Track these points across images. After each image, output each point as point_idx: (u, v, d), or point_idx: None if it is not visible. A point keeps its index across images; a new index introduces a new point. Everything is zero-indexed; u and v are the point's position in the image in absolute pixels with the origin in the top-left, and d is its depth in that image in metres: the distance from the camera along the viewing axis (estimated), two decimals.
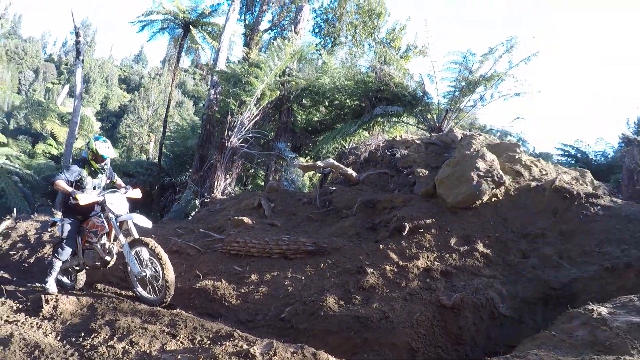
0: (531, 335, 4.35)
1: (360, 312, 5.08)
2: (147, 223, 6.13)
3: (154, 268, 5.86)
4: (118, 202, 6.26)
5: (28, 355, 4.37)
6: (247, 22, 22.30)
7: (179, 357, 4.10)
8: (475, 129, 14.90)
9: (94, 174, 6.63)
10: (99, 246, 6.38)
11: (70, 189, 6.21)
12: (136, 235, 6.14)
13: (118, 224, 6.16)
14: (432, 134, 11.28)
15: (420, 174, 8.57)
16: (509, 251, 6.27)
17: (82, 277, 7.20)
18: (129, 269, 6.08)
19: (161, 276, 5.75)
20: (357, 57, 17.78)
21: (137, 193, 6.67)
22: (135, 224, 6.17)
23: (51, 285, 6.29)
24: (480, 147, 7.92)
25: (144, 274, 5.87)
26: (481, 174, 7.11)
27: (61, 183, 6.22)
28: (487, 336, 4.94)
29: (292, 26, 18.59)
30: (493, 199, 7.25)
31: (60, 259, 6.49)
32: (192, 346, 4.41)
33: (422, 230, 6.81)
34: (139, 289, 6.16)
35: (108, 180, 6.93)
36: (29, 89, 76.13)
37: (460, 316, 4.91)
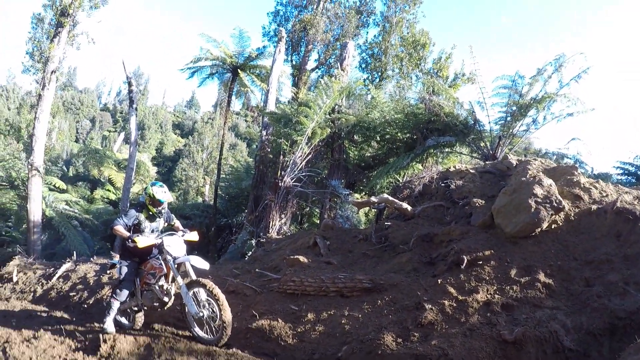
0: None
1: (418, 350, 4.93)
2: (204, 265, 6.22)
3: (211, 309, 5.91)
4: (176, 245, 6.40)
5: None
6: (294, 62, 22.74)
7: None
8: (530, 154, 14.53)
9: (151, 218, 6.84)
10: (157, 287, 6.53)
11: (127, 234, 6.43)
12: (194, 277, 6.23)
13: (176, 265, 6.28)
14: (487, 162, 11.03)
15: (477, 204, 8.34)
16: (572, 280, 5.96)
17: (140, 317, 7.32)
18: (186, 310, 6.15)
19: (218, 317, 5.78)
20: (405, 89, 17.83)
21: (194, 236, 6.80)
22: (192, 266, 6.26)
23: (109, 325, 6.46)
24: (536, 172, 7.65)
25: (201, 314, 5.92)
26: (539, 200, 6.84)
27: (119, 228, 6.44)
28: None
29: (339, 63, 18.77)
30: (553, 226, 6.95)
31: (118, 300, 6.65)
32: None
33: (480, 262, 6.59)
34: (197, 329, 6.22)
35: (165, 224, 7.12)
36: (87, 137, 79.76)
37: (522, 351, 4.68)
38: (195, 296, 6.07)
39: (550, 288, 5.80)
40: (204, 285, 5.97)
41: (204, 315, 5.94)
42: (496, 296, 5.82)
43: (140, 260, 6.91)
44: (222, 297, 5.81)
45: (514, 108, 12.36)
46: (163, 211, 6.87)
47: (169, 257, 6.32)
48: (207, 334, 6.10)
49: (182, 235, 6.69)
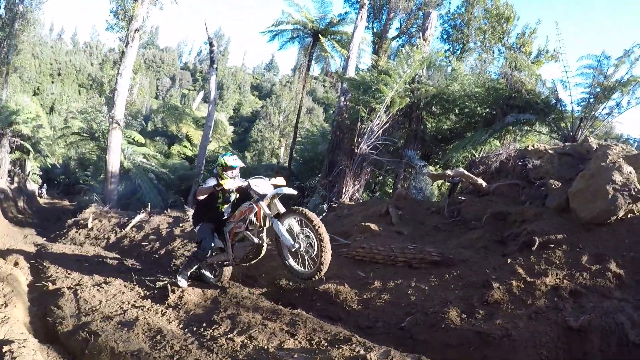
0: None
1: (482, 328, 4.94)
2: (291, 191, 6.30)
3: (308, 241, 5.80)
4: (262, 184, 6.42)
5: (150, 339, 4.68)
6: (375, 30, 22.48)
7: (296, 355, 4.22)
8: (611, 139, 14.05)
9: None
10: (248, 232, 6.56)
11: (211, 188, 6.60)
12: (283, 210, 6.20)
13: (267, 202, 6.27)
14: (566, 144, 10.66)
15: (553, 186, 8.18)
16: None
17: (227, 272, 7.44)
18: (280, 243, 6.12)
19: (316, 249, 5.66)
20: (487, 63, 17.47)
21: (280, 180, 6.69)
22: (284, 195, 6.24)
23: (182, 280, 6.66)
24: (616, 158, 7.37)
25: (297, 246, 5.81)
26: (617, 187, 6.62)
27: (201, 189, 6.67)
28: None
29: (420, 33, 18.47)
30: (629, 215, 6.70)
31: (197, 258, 6.90)
32: (309, 347, 4.51)
33: (552, 245, 6.51)
34: (291, 260, 6.18)
35: (238, 195, 7.17)
36: (166, 95, 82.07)
37: (586, 340, 4.62)
38: (290, 227, 6.00)
39: (620, 279, 5.66)
40: (302, 214, 5.79)
41: (301, 247, 5.84)
42: (565, 281, 5.74)
43: (215, 224, 7.04)
44: (323, 230, 5.63)
45: (598, 89, 11.88)
46: (236, 178, 6.92)
47: (256, 196, 6.34)
48: (301, 266, 6.07)
49: (269, 180, 6.68)
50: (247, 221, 6.58)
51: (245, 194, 6.71)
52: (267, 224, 6.39)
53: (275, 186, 6.58)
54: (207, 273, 7.52)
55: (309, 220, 5.69)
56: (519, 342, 4.62)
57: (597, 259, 6.10)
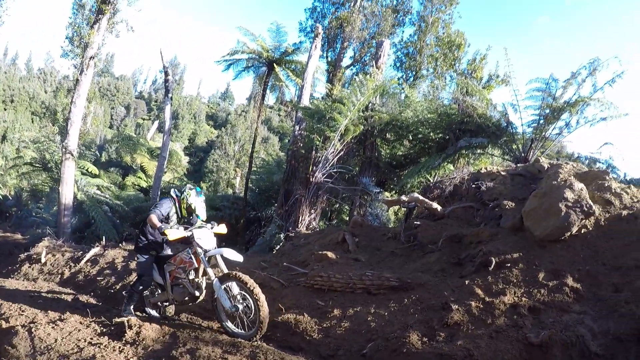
0: None
1: (444, 350, 4.94)
2: (237, 257, 6.22)
3: (246, 303, 5.90)
4: (206, 238, 6.40)
5: None
6: (329, 58, 22.76)
7: None
8: (562, 158, 14.41)
9: (180, 215, 6.96)
10: (187, 282, 6.56)
11: (159, 224, 6.47)
12: (225, 270, 6.25)
13: (207, 259, 6.30)
14: (518, 165, 10.90)
15: (507, 206, 8.29)
16: (600, 285, 5.88)
17: (171, 310, 7.44)
18: (219, 304, 6.16)
19: (254, 311, 5.79)
20: (439, 89, 17.85)
21: (222, 229, 6.86)
22: (225, 259, 6.28)
23: (128, 314, 6.66)
24: (567, 176, 7.56)
25: (234, 309, 5.90)
26: (569, 204, 6.76)
27: (154, 218, 6.51)
28: None
29: (374, 61, 18.67)
30: (582, 230, 6.86)
31: (137, 292, 6.91)
32: None
33: (509, 264, 6.57)
34: (228, 323, 6.20)
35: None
36: (121, 124, 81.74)
37: (548, 354, 4.64)
38: (228, 290, 6.07)
39: (578, 293, 5.76)
40: (238, 279, 5.94)
41: (239, 310, 5.92)
42: (523, 299, 5.79)
43: (157, 254, 7.05)
44: (258, 290, 5.81)
45: (547, 111, 12.23)
46: (180, 227, 6.83)
47: (199, 250, 6.34)
48: (240, 329, 6.08)
49: (212, 228, 6.72)
50: (187, 272, 6.60)
51: (186, 240, 6.63)
52: (207, 281, 6.49)
53: (218, 235, 6.73)
54: (152, 311, 7.47)
55: (244, 283, 5.87)
56: None
57: (553, 274, 6.18)
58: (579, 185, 7.08)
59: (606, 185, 7.69)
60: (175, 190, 7.12)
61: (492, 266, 6.64)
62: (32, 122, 73.79)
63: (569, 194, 6.90)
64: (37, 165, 28.19)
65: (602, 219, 7.06)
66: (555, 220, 6.76)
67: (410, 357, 5.07)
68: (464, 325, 5.52)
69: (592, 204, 6.90)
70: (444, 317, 5.72)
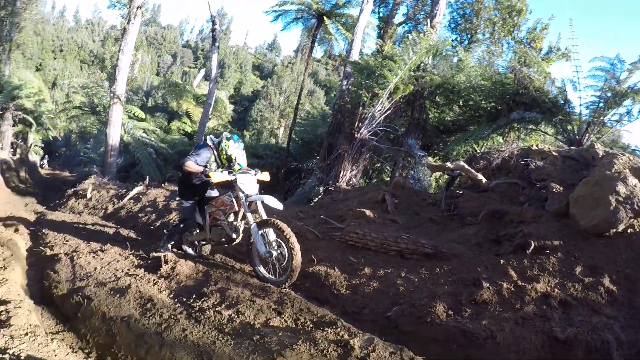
0: None
1: (467, 326, 4.90)
2: (277, 205, 6.36)
3: (280, 250, 6.00)
4: (249, 183, 6.51)
5: (141, 306, 4.80)
6: (381, 14, 22.28)
7: (280, 333, 4.26)
8: (617, 147, 13.83)
9: (219, 163, 7.01)
10: (226, 224, 6.75)
11: (201, 168, 6.64)
12: (264, 216, 6.37)
13: (247, 203, 6.42)
14: (571, 147, 10.52)
15: (554, 189, 8.04)
16: (637, 292, 5.62)
17: (206, 249, 7.62)
18: (254, 249, 6.28)
19: (287, 259, 5.89)
20: (495, 56, 17.20)
21: (265, 176, 6.99)
22: (265, 205, 6.40)
23: (166, 250, 6.98)
24: (622, 168, 7.20)
25: (268, 254, 6.02)
26: (620, 199, 6.42)
27: (191, 164, 6.65)
28: None
29: (428, 20, 18.16)
30: (629, 230, 6.50)
31: (177, 232, 7.30)
32: (294, 326, 4.55)
33: (547, 251, 6.39)
34: (260, 268, 6.32)
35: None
36: (167, 72, 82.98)
37: (570, 353, 4.54)
38: (265, 235, 6.18)
39: (612, 295, 5.56)
40: (275, 225, 6.03)
41: (272, 256, 6.04)
42: (556, 290, 5.64)
43: (200, 199, 7.19)
44: (294, 239, 5.88)
45: (609, 94, 11.57)
46: (224, 171, 6.86)
47: (241, 195, 6.44)
48: (271, 275, 6.20)
49: (255, 175, 6.80)
50: (227, 214, 6.76)
51: (229, 184, 6.73)
52: (245, 225, 6.63)
53: (260, 182, 6.79)
54: (188, 249, 7.76)
55: (280, 231, 5.97)
56: (502, 346, 4.57)
57: (591, 271, 5.99)
58: (633, 181, 6.71)
59: None
60: (212, 137, 7.17)
61: (530, 250, 6.48)
62: (81, 69, 75.78)
63: (621, 188, 6.56)
64: (85, 109, 29.48)
65: None
66: (603, 212, 6.47)
67: (433, 328, 5.06)
68: (492, 305, 5.45)
69: None
70: (473, 293, 5.66)
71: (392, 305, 5.72)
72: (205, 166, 6.86)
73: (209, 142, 7.08)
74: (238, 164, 6.81)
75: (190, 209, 7.30)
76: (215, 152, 6.98)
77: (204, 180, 6.97)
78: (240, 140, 7.05)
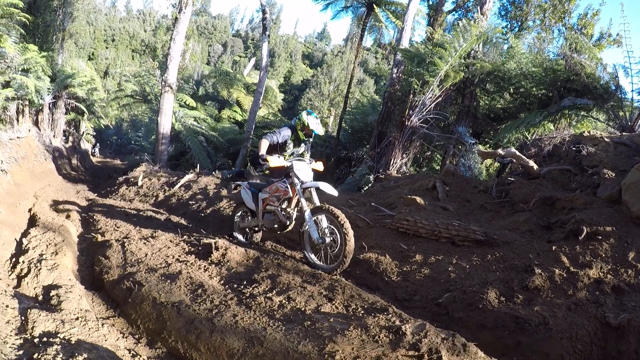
0: None
1: (519, 313, 4.91)
2: (332, 191, 6.47)
3: (333, 237, 6.12)
4: (304, 170, 6.69)
5: (191, 292, 4.91)
6: (430, 2, 22.12)
7: (332, 320, 4.33)
8: None
9: (297, 142, 7.26)
10: (279, 210, 6.89)
11: (263, 151, 6.77)
12: (318, 203, 6.51)
13: (302, 190, 6.58)
14: (623, 134, 10.40)
15: (606, 175, 8.03)
16: None
17: (257, 236, 7.89)
18: (306, 235, 6.45)
19: (340, 245, 5.98)
20: (545, 42, 16.94)
21: (320, 166, 7.15)
22: (320, 192, 6.56)
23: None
24: None
25: (322, 240, 6.15)
26: None
27: (263, 143, 6.85)
28: None
29: (478, 7, 17.98)
30: None
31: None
32: (345, 312, 4.61)
33: (600, 237, 6.38)
34: (312, 255, 6.47)
35: (306, 152, 7.51)
36: (218, 61, 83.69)
37: (623, 339, 4.51)
38: (318, 222, 6.30)
39: None
40: (330, 212, 6.12)
41: (325, 242, 6.16)
42: (609, 276, 5.62)
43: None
44: (348, 225, 5.94)
45: None
46: (310, 139, 7.29)
47: (296, 181, 6.61)
48: (322, 262, 6.33)
49: (310, 163, 6.97)
50: (281, 200, 6.89)
51: (285, 170, 6.91)
52: (298, 213, 6.78)
53: (315, 171, 6.95)
54: (239, 236, 8.02)
55: (335, 217, 5.98)
56: (554, 332, 4.56)
57: None
58: None
59: None
60: (294, 118, 7.44)
61: (583, 236, 6.48)
62: (133, 58, 77.65)
63: None
64: (137, 97, 29.94)
65: None
66: None
67: (484, 314, 5.06)
68: (544, 291, 5.44)
69: None
70: (525, 280, 5.66)
71: (443, 292, 5.80)
72: (285, 144, 7.18)
73: (292, 123, 7.37)
74: (312, 129, 7.08)
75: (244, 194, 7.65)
76: (295, 132, 7.28)
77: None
78: (315, 113, 7.32)
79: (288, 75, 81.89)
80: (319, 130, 7.11)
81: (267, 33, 23.99)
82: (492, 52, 16.29)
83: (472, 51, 15.84)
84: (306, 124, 7.05)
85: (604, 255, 6.09)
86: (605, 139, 9.53)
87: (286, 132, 7.18)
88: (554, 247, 6.50)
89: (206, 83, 46.74)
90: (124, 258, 6.11)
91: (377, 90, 51.57)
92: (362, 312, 4.59)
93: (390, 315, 4.42)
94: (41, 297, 4.49)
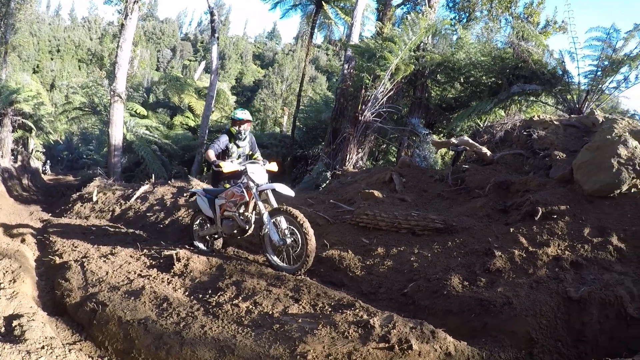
0: None
1: (483, 295, 4.99)
2: (289, 192, 6.45)
3: (294, 237, 6.07)
4: (259, 172, 6.62)
5: (157, 307, 4.79)
6: None
7: (300, 320, 4.31)
8: (617, 113, 13.89)
9: (237, 138, 7.28)
10: (237, 215, 6.81)
11: (214, 159, 6.81)
12: (275, 205, 6.44)
13: (258, 193, 6.51)
14: (572, 116, 10.62)
15: (558, 157, 8.20)
16: None
17: (218, 243, 7.78)
18: (267, 238, 6.38)
19: (301, 246, 5.92)
20: (493, 32, 17.24)
21: (273, 166, 7.11)
22: (277, 193, 6.52)
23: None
24: (622, 132, 7.31)
25: (283, 242, 6.10)
26: (622, 161, 6.62)
27: (209, 153, 6.90)
28: (611, 336, 4.58)
29: (426, 0, 18.22)
30: (632, 190, 6.71)
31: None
32: (313, 312, 4.60)
33: (555, 216, 6.55)
34: (275, 257, 6.41)
35: (250, 152, 7.56)
36: (167, 66, 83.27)
37: (585, 311, 4.64)
38: (277, 224, 6.25)
39: (621, 253, 5.70)
40: (287, 213, 6.08)
41: (286, 243, 6.12)
42: (566, 252, 5.77)
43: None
44: (307, 224, 5.89)
45: (606, 63, 11.60)
46: (243, 131, 7.30)
47: (251, 184, 6.55)
48: (285, 263, 6.28)
49: (264, 165, 6.92)
50: (238, 205, 6.83)
51: (239, 174, 6.92)
52: (257, 216, 6.72)
53: (270, 172, 6.93)
54: (200, 245, 7.93)
55: (293, 217, 5.95)
56: (519, 311, 4.64)
57: (599, 231, 6.12)
58: (633, 143, 6.91)
59: None
60: (228, 124, 7.49)
61: (538, 216, 6.63)
62: (80, 69, 76.27)
63: (622, 151, 6.76)
64: (86, 109, 29.17)
65: None
66: (606, 176, 6.68)
67: (450, 300, 5.14)
68: (506, 272, 5.56)
69: None
70: (486, 263, 5.76)
71: (407, 282, 5.85)
72: (225, 151, 7.20)
73: (227, 128, 7.49)
74: (238, 117, 7.28)
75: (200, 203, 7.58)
76: (231, 137, 7.32)
77: (214, 170, 7.18)
78: (243, 109, 7.45)
79: (239, 76, 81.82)
80: (247, 116, 7.36)
81: (217, 35, 23.71)
82: (441, 43, 16.51)
83: (422, 44, 15.96)
84: (233, 116, 7.32)
85: (560, 233, 6.24)
86: (555, 122, 9.73)
87: (224, 138, 7.27)
88: (511, 229, 6.63)
89: (156, 90, 46.13)
90: (85, 279, 5.87)
91: (329, 87, 51.84)
92: (330, 309, 4.59)
93: (357, 310, 4.44)
94: (3, 328, 4.23)
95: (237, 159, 7.31)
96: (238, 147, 7.44)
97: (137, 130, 26.78)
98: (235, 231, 7.04)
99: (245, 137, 7.51)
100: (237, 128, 7.30)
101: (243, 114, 7.35)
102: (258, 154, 7.63)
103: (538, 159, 8.94)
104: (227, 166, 6.60)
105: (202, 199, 7.56)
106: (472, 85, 16.05)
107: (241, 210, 6.87)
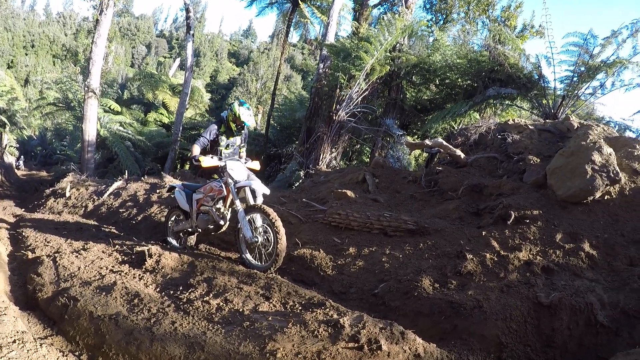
0: (626, 350, 4.13)
1: (454, 298, 4.99)
2: (265, 190, 6.43)
3: (267, 236, 6.02)
4: (238, 169, 6.56)
5: (128, 302, 4.74)
6: None
7: (270, 318, 4.29)
8: (592, 120, 14.02)
9: (229, 132, 7.03)
10: (214, 210, 6.74)
11: (195, 153, 6.65)
12: (252, 202, 6.33)
13: (236, 190, 6.42)
14: (547, 121, 10.69)
15: (532, 161, 8.24)
16: (616, 256, 5.81)
17: (191, 240, 7.71)
18: (241, 235, 6.30)
19: (273, 245, 5.90)
20: (470, 34, 17.32)
21: (256, 165, 7.03)
22: (253, 190, 6.40)
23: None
24: (597, 138, 7.36)
25: (255, 239, 6.04)
26: (596, 168, 6.65)
27: (194, 148, 6.73)
28: (580, 343, 4.60)
29: (403, 1, 18.17)
30: (606, 197, 6.77)
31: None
32: (283, 310, 4.58)
33: (527, 221, 6.56)
34: (247, 254, 6.35)
35: (242, 144, 7.34)
36: (142, 63, 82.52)
37: (555, 317, 4.65)
38: (252, 221, 6.19)
39: (592, 259, 5.75)
40: (262, 211, 6.02)
41: (258, 241, 6.06)
42: (538, 257, 5.80)
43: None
44: (279, 223, 5.87)
45: (582, 68, 11.66)
46: (243, 132, 7.11)
47: (230, 181, 6.47)
48: (257, 260, 6.23)
49: (245, 163, 6.88)
50: (215, 200, 6.77)
51: (219, 170, 6.78)
52: (232, 212, 6.70)
53: (250, 170, 6.90)
54: (173, 241, 7.87)
55: (267, 215, 5.94)
56: (489, 314, 4.64)
57: (571, 237, 6.16)
58: (607, 150, 6.92)
59: (635, 153, 7.49)
60: (225, 111, 7.22)
61: (511, 220, 6.64)
62: (54, 64, 75.77)
63: (596, 157, 6.77)
64: (60, 105, 28.89)
65: (627, 188, 6.93)
66: (580, 182, 6.69)
67: (420, 301, 5.12)
68: (477, 275, 5.57)
69: (619, 170, 6.75)
70: (458, 266, 5.77)
71: (378, 283, 5.83)
72: (214, 140, 6.98)
73: (222, 115, 7.13)
74: (243, 121, 6.82)
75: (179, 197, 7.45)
76: (225, 124, 7.02)
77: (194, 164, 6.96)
78: (249, 106, 7.11)
79: (214, 74, 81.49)
80: (251, 122, 6.93)
81: (192, 32, 23.46)
82: (417, 45, 16.54)
83: (398, 44, 15.99)
84: (237, 115, 6.80)
85: (532, 237, 6.27)
86: (530, 127, 9.78)
87: (212, 128, 7.00)
88: (484, 233, 6.64)
89: (131, 86, 45.61)
90: (57, 274, 5.79)
91: (304, 86, 51.87)
92: (300, 308, 4.57)
93: (327, 309, 4.42)
94: None
95: (226, 148, 7.10)
96: (228, 138, 7.16)
97: (110, 127, 26.44)
98: (210, 226, 6.97)
99: (241, 134, 7.33)
100: (237, 127, 7.01)
101: (250, 118, 6.92)
102: (243, 151, 7.45)
103: (512, 163, 8.95)
104: (206, 161, 6.48)
105: (180, 193, 7.46)
106: (447, 87, 16.08)
107: (218, 206, 6.80)
